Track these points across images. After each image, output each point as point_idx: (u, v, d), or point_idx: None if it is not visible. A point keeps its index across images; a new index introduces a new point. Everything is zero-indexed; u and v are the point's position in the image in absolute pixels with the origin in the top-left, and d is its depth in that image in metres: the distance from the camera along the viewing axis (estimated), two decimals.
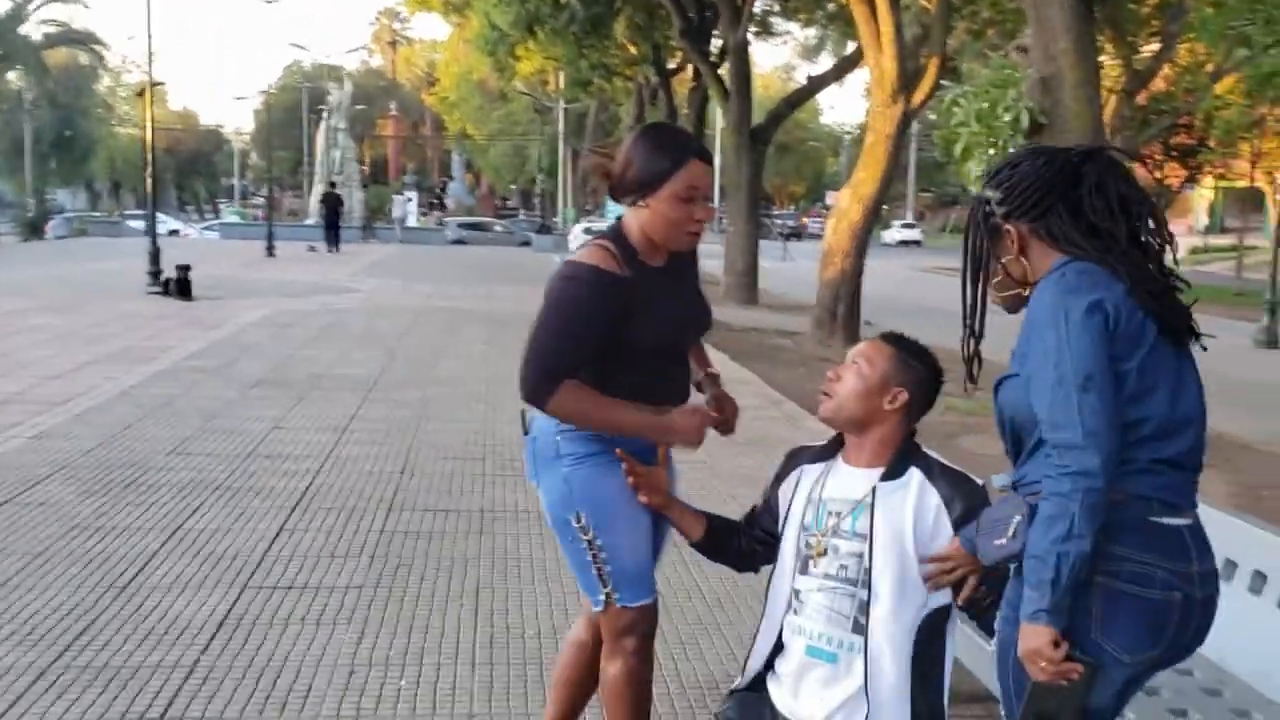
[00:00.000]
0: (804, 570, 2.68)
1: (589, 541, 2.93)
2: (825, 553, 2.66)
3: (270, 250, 31.83)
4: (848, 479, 2.70)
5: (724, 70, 22.88)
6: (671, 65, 29.88)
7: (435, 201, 72.05)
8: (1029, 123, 9.95)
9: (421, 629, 4.61)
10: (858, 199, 16.24)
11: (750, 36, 23.62)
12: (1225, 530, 3.19)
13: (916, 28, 18.15)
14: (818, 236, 70.53)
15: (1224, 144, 30.74)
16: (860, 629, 2.58)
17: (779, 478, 2.85)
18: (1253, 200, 47.70)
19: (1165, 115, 27.73)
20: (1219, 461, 8.57)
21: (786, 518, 2.78)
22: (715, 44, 25.40)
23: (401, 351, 12.84)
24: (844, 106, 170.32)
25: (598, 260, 2.83)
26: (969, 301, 2.44)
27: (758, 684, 2.76)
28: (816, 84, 23.81)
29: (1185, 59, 27.27)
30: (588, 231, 45.22)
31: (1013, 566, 2.31)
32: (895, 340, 2.76)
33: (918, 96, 16.21)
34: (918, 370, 2.71)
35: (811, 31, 46.90)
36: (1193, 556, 2.21)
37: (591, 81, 27.84)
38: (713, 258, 32.92)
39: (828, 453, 2.80)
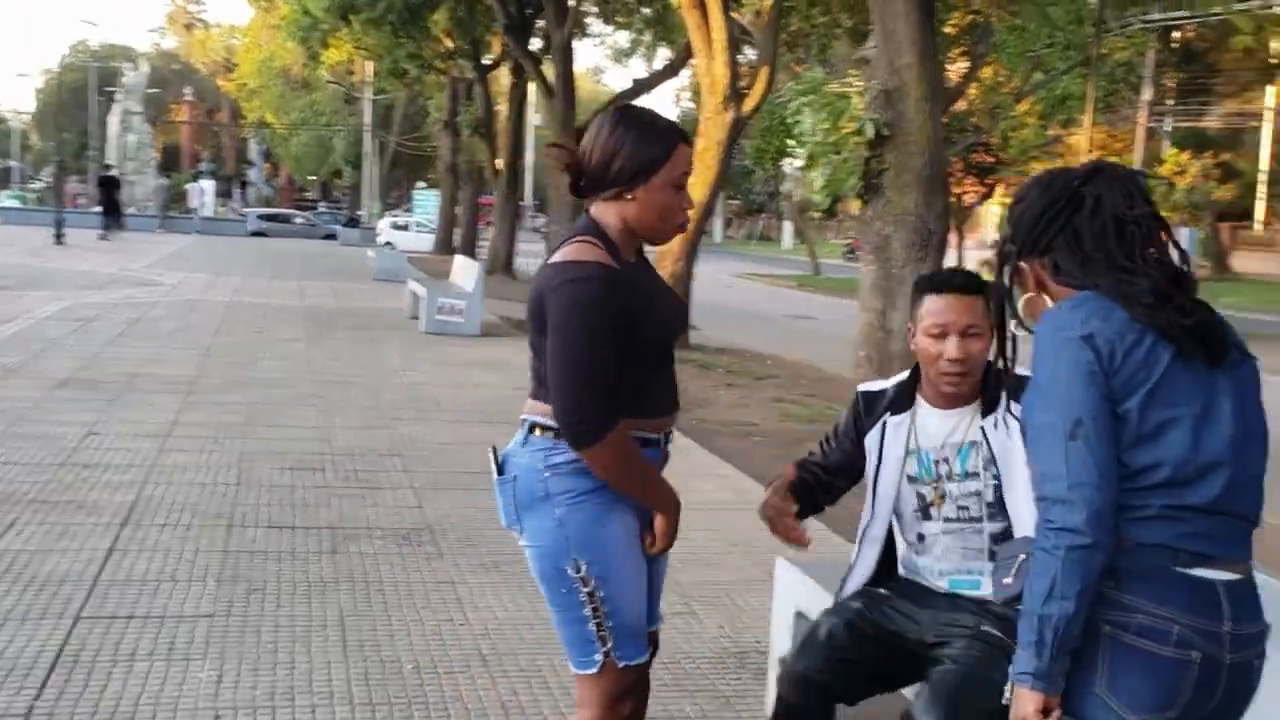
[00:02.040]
0: (925, 517, 2.99)
1: (589, 594, 2.60)
2: (944, 498, 2.93)
3: (59, 238, 29.88)
4: (941, 423, 2.93)
5: (547, 68, 22.58)
6: (488, 61, 29.38)
7: (241, 190, 69.42)
8: (873, 134, 10.02)
9: (287, 664, 4.19)
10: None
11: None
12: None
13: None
14: None
15: (1018, 162, 32.13)
16: (995, 557, 2.72)
17: (858, 428, 3.10)
18: None
19: (967, 134, 28.84)
20: None
21: (880, 464, 3.03)
22: (536, 43, 25.13)
23: (218, 350, 12.10)
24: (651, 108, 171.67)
25: (596, 256, 2.54)
26: (1002, 347, 2.36)
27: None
28: (643, 86, 23.73)
29: (989, 79, 28.44)
30: (395, 226, 44.41)
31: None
32: (964, 285, 2.87)
33: (749, 103, 16.29)
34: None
35: (625, 35, 47.20)
36: (1225, 615, 1.99)
37: (407, 73, 27.15)
38: (529, 256, 32.63)
39: (903, 403, 3.01)
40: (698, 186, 16.32)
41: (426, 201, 50.94)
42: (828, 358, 16.39)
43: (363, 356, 12.23)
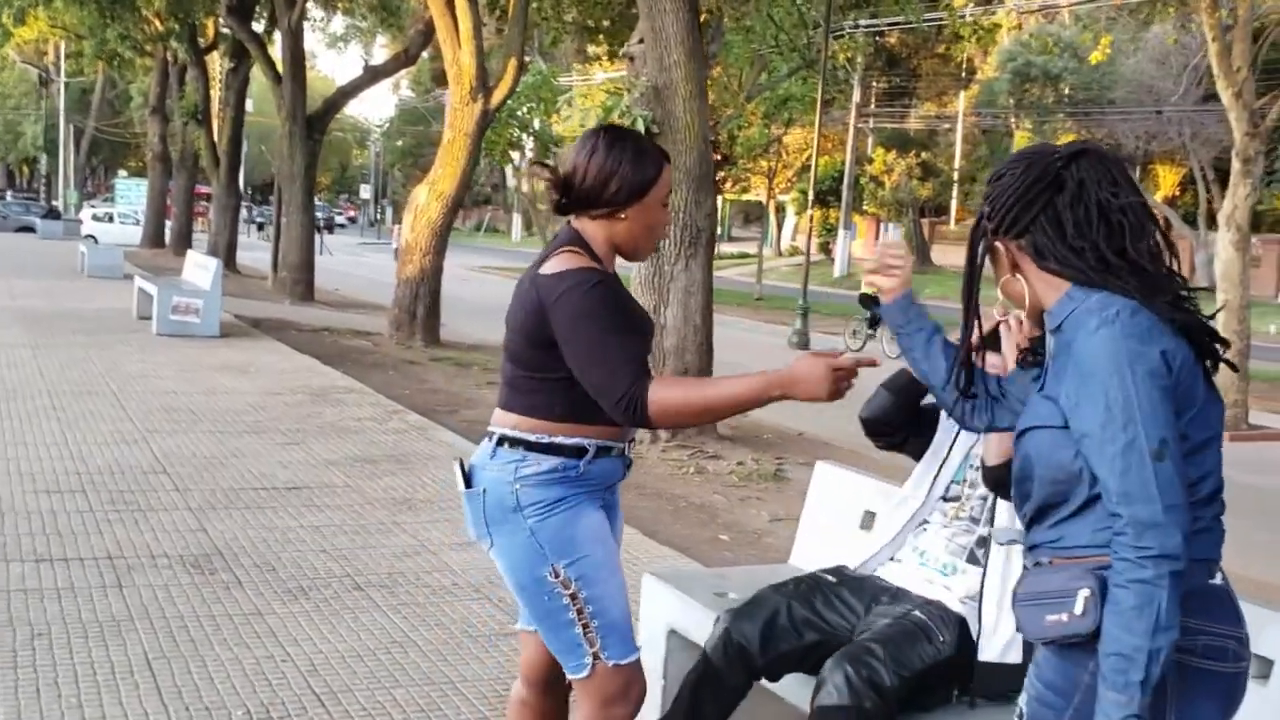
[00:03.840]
0: (942, 511, 3.16)
1: (572, 595, 2.62)
2: (960, 498, 3.13)
3: None
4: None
5: (274, 53, 21.55)
6: (204, 43, 27.81)
7: None
8: (643, 130, 10.00)
9: (97, 719, 3.72)
10: (436, 196, 15.85)
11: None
12: None
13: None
14: (351, 229, 69.35)
15: (744, 160, 33.14)
16: (975, 559, 3.05)
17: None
18: (757, 212, 52.01)
19: None
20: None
21: (947, 455, 3.21)
22: (258, 26, 23.95)
23: None
24: (372, 99, 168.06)
25: (588, 263, 2.61)
26: (966, 328, 2.23)
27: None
28: (376, 74, 23.00)
29: (719, 78, 29.17)
30: (97, 218, 41.42)
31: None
32: None
33: (497, 95, 16.04)
34: None
35: (341, 21, 45.80)
36: (1242, 619, 2.02)
37: (118, 54, 25.34)
38: (249, 249, 31.20)
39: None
40: (446, 179, 15.98)
41: (130, 191, 47.97)
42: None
43: (98, 362, 11.26)
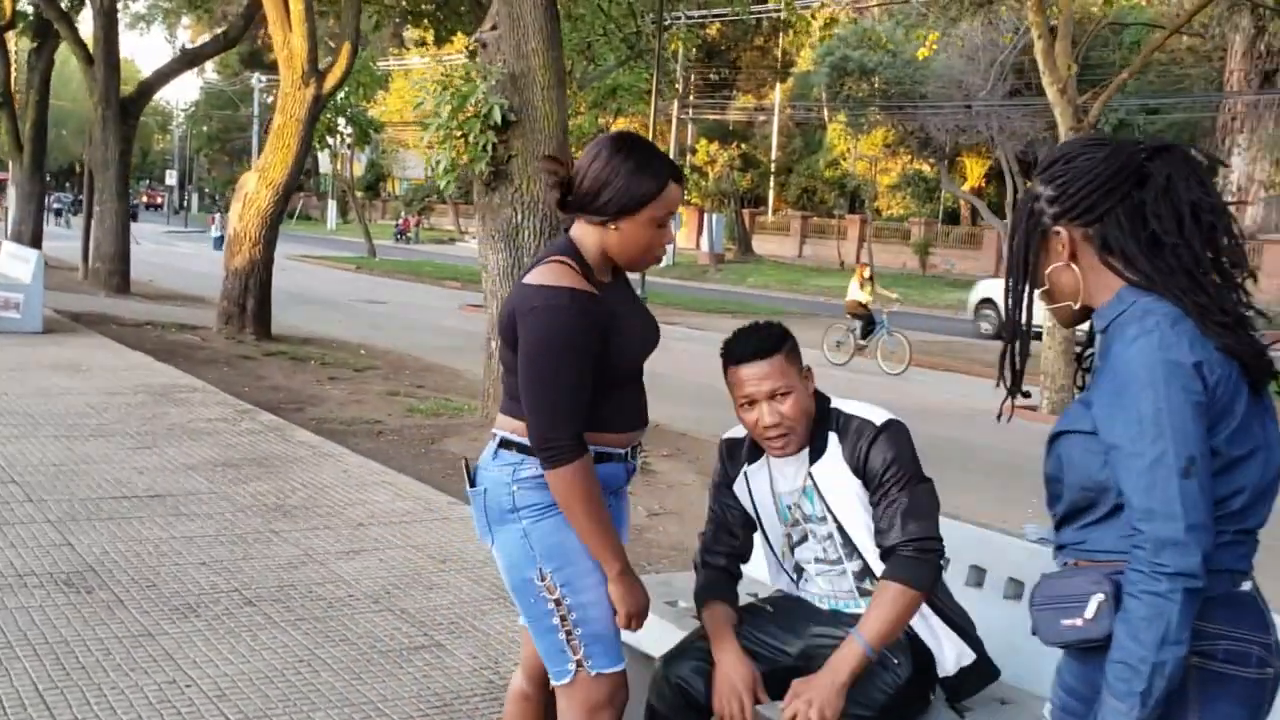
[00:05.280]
0: (794, 551, 2.97)
1: (556, 601, 2.63)
2: (805, 539, 2.93)
3: None
4: (785, 469, 2.89)
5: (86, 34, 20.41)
6: (1, 20, 26.09)
7: None
8: (500, 119, 9.84)
9: None
10: (267, 183, 15.28)
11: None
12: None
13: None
14: (155, 216, 66.26)
15: (575, 150, 33.05)
16: (867, 594, 2.84)
17: (727, 483, 3.01)
18: None
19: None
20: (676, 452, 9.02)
21: (759, 515, 2.97)
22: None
23: None
24: (175, 81, 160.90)
25: (570, 281, 2.55)
26: (1015, 316, 2.10)
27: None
28: (195, 57, 22.01)
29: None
30: None
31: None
32: (763, 348, 2.81)
33: (330, 80, 15.55)
34: (791, 342, 2.87)
35: (143, 1, 43.69)
36: (1270, 624, 2.02)
37: None
38: (52, 238, 29.50)
39: (757, 450, 2.93)
40: (277, 166, 15.43)
41: None
42: (418, 344, 16.05)
43: None
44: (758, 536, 3.06)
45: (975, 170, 41.54)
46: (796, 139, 48.40)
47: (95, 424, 8.26)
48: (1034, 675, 3.02)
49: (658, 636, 3.40)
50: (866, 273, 18.30)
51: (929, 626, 2.88)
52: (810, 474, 2.85)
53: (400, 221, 52.65)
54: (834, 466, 2.82)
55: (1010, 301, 2.11)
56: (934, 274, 37.17)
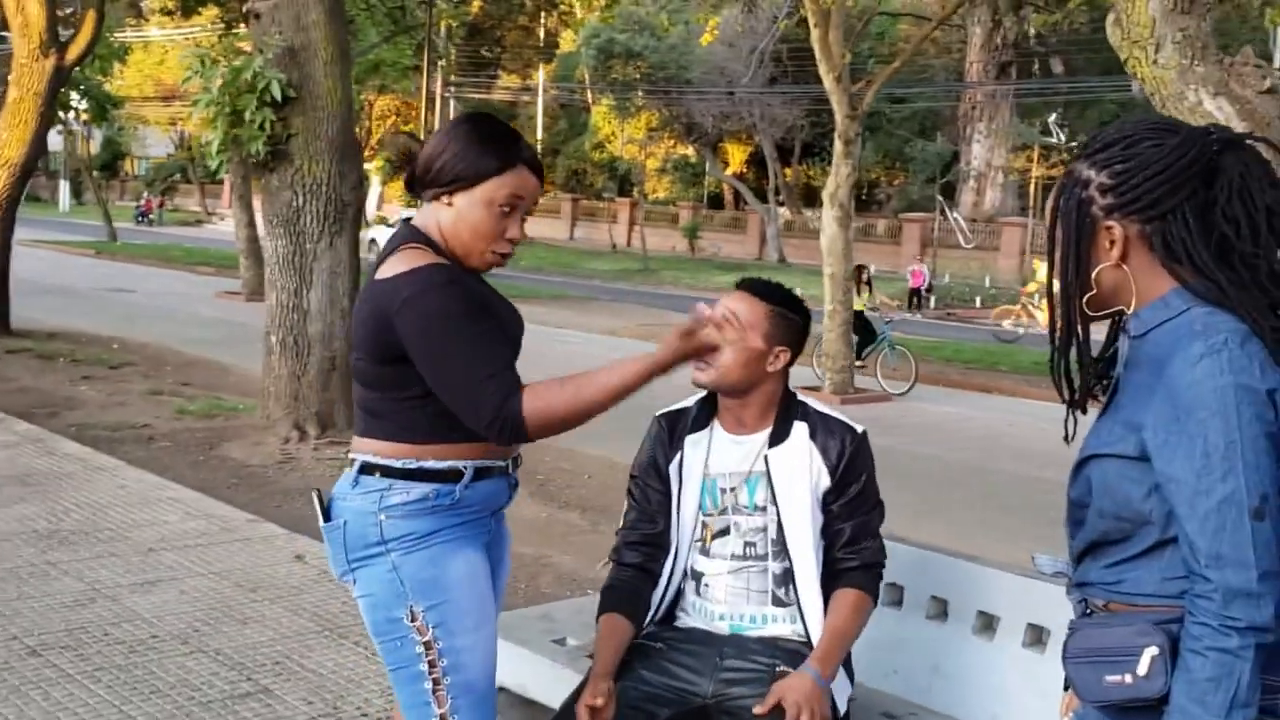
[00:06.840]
0: (704, 553, 2.66)
1: (426, 644, 2.33)
2: (727, 531, 2.64)
3: None
4: (732, 449, 2.65)
5: None
6: None
7: None
8: (279, 95, 9.16)
9: None
10: (3, 164, 13.99)
11: None
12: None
13: None
14: None
15: None
16: (780, 602, 2.62)
17: (655, 465, 2.71)
18: None
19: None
20: None
21: (681, 491, 2.68)
22: None
23: None
24: None
25: (428, 259, 2.30)
26: (1069, 319, 1.82)
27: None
28: None
29: None
30: None
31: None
32: (765, 292, 2.62)
33: (73, 51, 14.28)
34: (795, 323, 2.64)
35: None
36: None
37: None
38: None
39: (703, 419, 2.70)
40: (14, 144, 14.20)
41: None
42: (176, 337, 15.00)
43: None
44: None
45: (738, 156, 42.35)
46: (562, 120, 48.19)
47: None
48: None
49: (548, 682, 3.03)
50: (864, 276, 15.64)
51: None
52: (766, 457, 2.62)
53: (142, 203, 49.53)
54: (796, 455, 2.61)
55: (1062, 305, 1.82)
56: (702, 257, 37.63)
